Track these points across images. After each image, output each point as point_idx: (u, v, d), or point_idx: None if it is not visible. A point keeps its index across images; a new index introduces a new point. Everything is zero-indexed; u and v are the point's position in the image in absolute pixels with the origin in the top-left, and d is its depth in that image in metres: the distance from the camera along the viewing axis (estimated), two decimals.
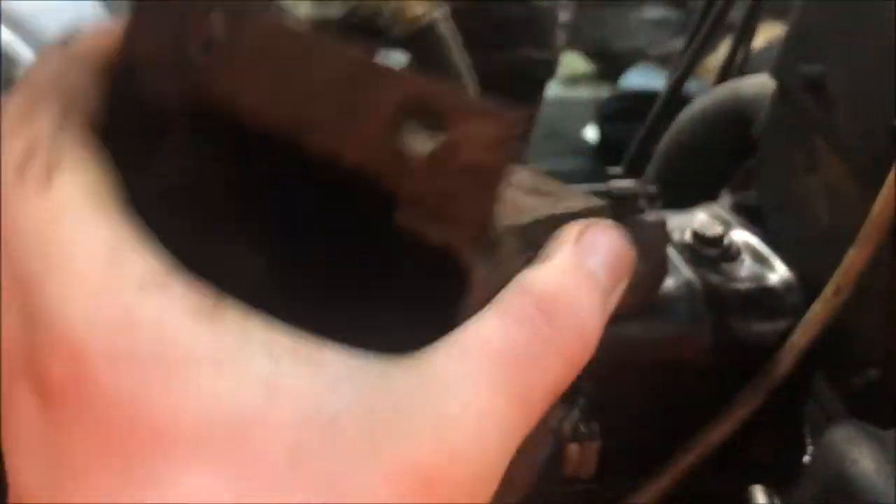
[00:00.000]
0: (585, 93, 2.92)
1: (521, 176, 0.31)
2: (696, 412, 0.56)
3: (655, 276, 0.53)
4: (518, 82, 0.89)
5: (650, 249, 0.50)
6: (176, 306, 0.20)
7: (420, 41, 0.36)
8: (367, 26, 0.39)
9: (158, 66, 0.29)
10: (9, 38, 1.27)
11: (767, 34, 1.35)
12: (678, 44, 2.78)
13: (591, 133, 2.66)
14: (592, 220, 0.28)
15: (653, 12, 3.05)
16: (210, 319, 0.20)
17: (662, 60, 2.69)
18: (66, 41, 0.29)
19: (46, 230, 0.22)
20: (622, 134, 2.49)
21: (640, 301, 0.52)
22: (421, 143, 0.25)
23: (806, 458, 0.62)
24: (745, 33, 0.96)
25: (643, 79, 2.67)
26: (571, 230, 0.27)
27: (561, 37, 0.89)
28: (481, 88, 0.95)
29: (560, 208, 0.29)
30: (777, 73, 0.75)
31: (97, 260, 0.21)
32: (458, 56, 0.37)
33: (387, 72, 0.25)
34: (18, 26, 1.29)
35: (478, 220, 0.25)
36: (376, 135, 0.25)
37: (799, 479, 0.57)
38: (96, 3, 1.42)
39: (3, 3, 1.25)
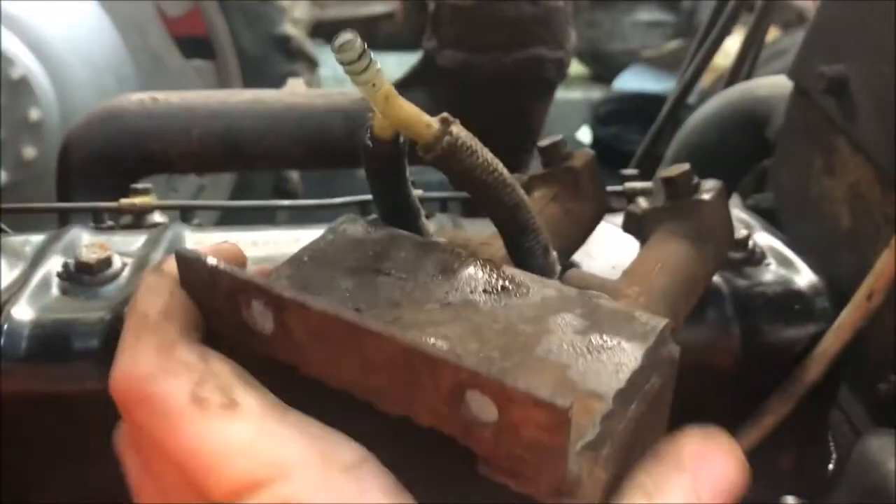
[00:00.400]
0: (579, 94, 2.91)
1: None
2: (725, 419, 0.54)
3: (727, 241, 0.52)
4: (529, 82, 0.88)
5: (715, 222, 0.49)
6: (372, 486, 0.27)
7: (446, 158, 0.35)
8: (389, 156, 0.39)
9: (220, 318, 0.32)
10: (6, 37, 1.25)
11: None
12: (671, 45, 2.78)
13: (584, 134, 2.65)
14: (709, 441, 0.30)
15: (646, 14, 3.05)
16: (396, 497, 0.27)
17: (655, 62, 2.68)
18: (160, 266, 0.33)
19: (255, 442, 0.27)
20: (616, 135, 2.49)
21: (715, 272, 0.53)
22: (483, 413, 0.27)
23: (830, 467, 0.61)
24: (756, 35, 0.95)
25: (637, 80, 2.66)
26: (687, 457, 0.29)
27: (573, 36, 0.88)
28: (492, 88, 0.94)
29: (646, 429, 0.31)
30: (795, 73, 0.73)
31: (313, 456, 0.27)
32: (485, 156, 0.37)
33: (437, 360, 0.27)
34: (14, 25, 1.27)
35: (552, 479, 0.27)
36: (438, 407, 0.28)
37: (827, 488, 0.56)
38: (94, 4, 1.40)
39: (2, 4, 1.23)
